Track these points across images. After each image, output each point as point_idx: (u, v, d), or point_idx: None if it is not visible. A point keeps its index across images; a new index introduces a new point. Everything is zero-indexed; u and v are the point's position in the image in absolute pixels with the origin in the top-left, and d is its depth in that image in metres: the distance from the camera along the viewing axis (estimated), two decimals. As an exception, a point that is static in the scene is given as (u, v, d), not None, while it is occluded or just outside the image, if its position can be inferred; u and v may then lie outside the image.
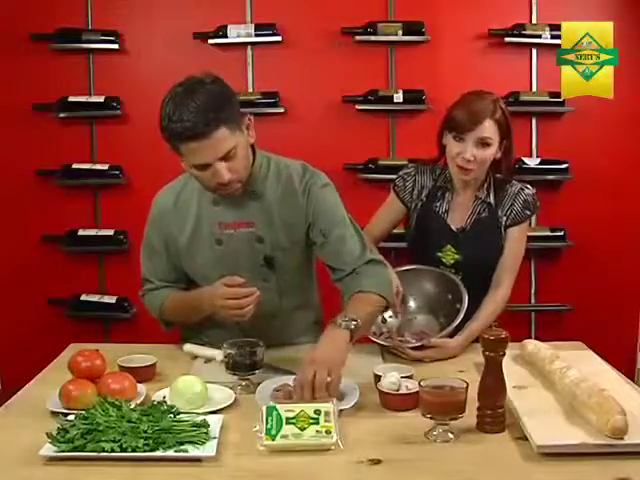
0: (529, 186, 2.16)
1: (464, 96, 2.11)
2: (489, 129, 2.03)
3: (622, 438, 1.35)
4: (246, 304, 1.76)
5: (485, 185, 2.13)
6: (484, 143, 2.03)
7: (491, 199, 2.12)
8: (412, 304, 2.10)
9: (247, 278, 1.81)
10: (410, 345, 1.95)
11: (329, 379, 1.55)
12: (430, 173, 2.19)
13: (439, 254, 2.13)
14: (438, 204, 2.16)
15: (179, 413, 1.48)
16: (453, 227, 2.14)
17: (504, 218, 2.12)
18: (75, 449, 1.36)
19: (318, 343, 1.68)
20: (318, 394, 1.53)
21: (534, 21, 3.10)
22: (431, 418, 1.45)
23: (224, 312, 1.80)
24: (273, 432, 1.41)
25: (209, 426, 1.45)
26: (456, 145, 2.05)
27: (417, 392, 1.49)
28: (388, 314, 2.08)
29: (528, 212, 2.13)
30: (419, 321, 2.08)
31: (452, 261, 2.12)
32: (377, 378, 1.67)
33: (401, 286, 2.00)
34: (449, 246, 2.13)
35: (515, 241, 2.13)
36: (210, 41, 3.06)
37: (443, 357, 1.94)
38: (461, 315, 1.98)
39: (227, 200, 1.89)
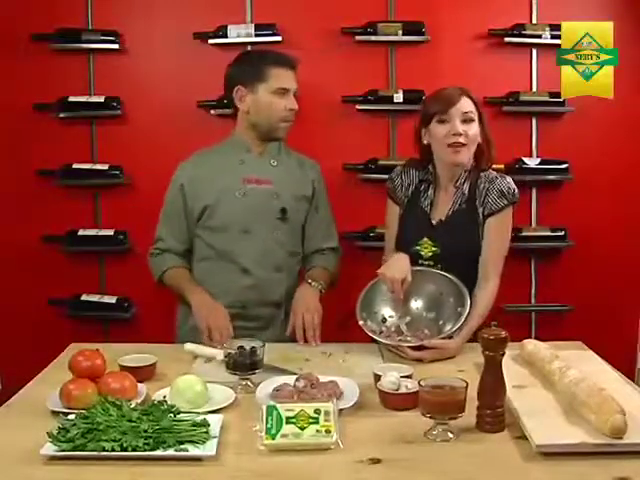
0: (507, 177, 2.15)
1: (429, 95, 2.21)
2: (469, 104, 2.09)
3: (621, 438, 1.36)
4: (219, 337, 2.06)
5: (465, 174, 2.14)
6: (468, 118, 2.07)
7: (465, 188, 2.13)
8: (413, 305, 2.10)
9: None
10: (410, 344, 1.95)
11: (316, 321, 2.10)
12: (416, 171, 2.22)
13: (417, 247, 2.14)
14: (422, 199, 2.19)
15: (179, 412, 1.49)
16: (433, 221, 2.16)
17: (481, 209, 2.11)
18: (76, 448, 1.37)
19: (301, 295, 2.19)
20: (309, 333, 2.08)
21: (534, 21, 3.09)
22: (431, 417, 1.46)
23: (202, 322, 2.11)
24: (273, 431, 1.41)
25: (209, 425, 1.45)
26: (442, 127, 2.08)
27: (417, 392, 1.50)
28: (389, 314, 2.09)
29: (505, 201, 2.11)
30: (419, 323, 2.07)
31: (430, 254, 2.13)
32: (377, 378, 1.68)
33: (410, 276, 2.02)
34: (426, 238, 2.14)
35: (494, 232, 2.11)
36: (210, 41, 3.06)
37: (442, 357, 1.95)
38: (462, 319, 1.98)
39: (251, 162, 2.32)
